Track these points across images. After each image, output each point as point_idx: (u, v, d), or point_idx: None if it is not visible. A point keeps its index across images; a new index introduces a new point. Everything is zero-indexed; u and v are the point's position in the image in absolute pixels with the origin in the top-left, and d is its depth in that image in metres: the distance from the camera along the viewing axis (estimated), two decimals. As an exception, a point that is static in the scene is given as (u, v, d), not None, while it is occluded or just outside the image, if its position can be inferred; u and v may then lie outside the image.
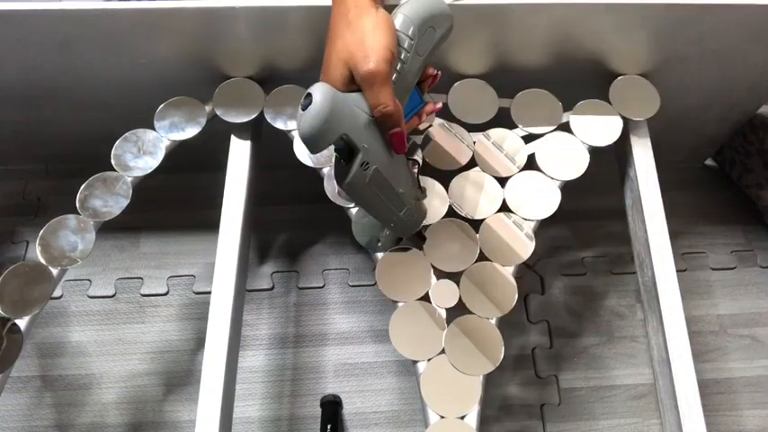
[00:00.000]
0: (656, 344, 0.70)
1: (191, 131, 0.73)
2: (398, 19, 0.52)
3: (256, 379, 0.89)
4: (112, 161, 0.70)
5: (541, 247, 0.96)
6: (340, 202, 0.70)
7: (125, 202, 0.68)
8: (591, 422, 0.86)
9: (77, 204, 0.68)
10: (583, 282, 0.96)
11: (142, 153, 0.71)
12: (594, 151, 0.73)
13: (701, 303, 0.95)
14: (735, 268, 0.98)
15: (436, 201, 0.70)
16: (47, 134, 0.92)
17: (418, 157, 0.71)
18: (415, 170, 0.63)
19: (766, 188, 0.96)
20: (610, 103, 0.75)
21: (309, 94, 0.48)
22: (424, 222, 0.68)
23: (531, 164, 0.72)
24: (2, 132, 0.91)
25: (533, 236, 0.69)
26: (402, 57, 0.52)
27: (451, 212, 0.70)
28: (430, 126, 0.73)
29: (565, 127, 0.74)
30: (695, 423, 0.62)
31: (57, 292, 0.94)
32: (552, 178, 0.72)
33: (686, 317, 0.66)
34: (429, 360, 0.63)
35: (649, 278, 0.70)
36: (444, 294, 0.66)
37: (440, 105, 0.61)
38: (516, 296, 0.65)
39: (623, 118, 0.74)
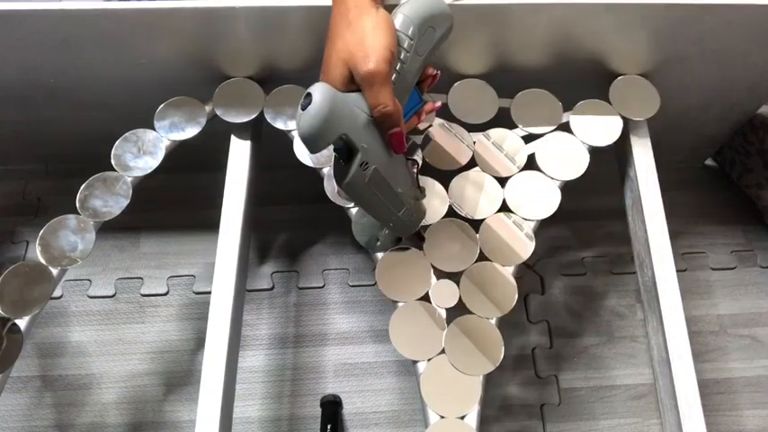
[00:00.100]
0: (656, 344, 0.70)
1: (191, 131, 0.73)
2: (398, 19, 0.52)
3: (256, 379, 0.89)
4: (112, 161, 0.70)
5: (541, 247, 0.96)
6: (340, 202, 0.70)
7: (125, 202, 0.68)
8: (591, 422, 0.86)
9: (77, 204, 0.68)
10: (583, 282, 0.96)
11: (142, 153, 0.71)
12: (594, 151, 0.73)
13: (700, 303, 0.95)
14: (735, 268, 0.98)
15: (436, 201, 0.70)
16: (47, 134, 0.92)
17: (418, 156, 0.72)
18: (415, 170, 0.63)
19: (766, 188, 0.96)
20: (610, 103, 0.75)
21: (309, 94, 0.48)
22: (424, 222, 0.68)
23: (531, 164, 0.72)
24: (2, 132, 0.91)
25: (533, 236, 0.69)
26: (402, 57, 0.52)
27: (451, 212, 0.70)
28: (430, 126, 0.73)
29: (565, 127, 0.74)
30: (695, 423, 0.62)
31: (57, 292, 0.94)
32: (552, 178, 0.72)
33: (686, 317, 0.66)
34: (429, 360, 0.63)
35: (649, 278, 0.70)
36: (444, 294, 0.66)
37: (439, 105, 0.61)
38: (516, 296, 0.65)
39: (623, 118, 0.74)
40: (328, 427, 0.82)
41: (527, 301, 0.95)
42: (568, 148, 0.73)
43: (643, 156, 0.74)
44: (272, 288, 0.95)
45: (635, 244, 0.76)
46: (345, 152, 0.52)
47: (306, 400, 0.87)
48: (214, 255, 0.69)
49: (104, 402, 0.87)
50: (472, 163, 0.72)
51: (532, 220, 0.69)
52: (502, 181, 0.71)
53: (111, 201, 0.68)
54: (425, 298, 0.66)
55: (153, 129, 0.72)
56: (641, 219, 0.71)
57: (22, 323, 0.63)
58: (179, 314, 0.93)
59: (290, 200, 1.01)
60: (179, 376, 0.89)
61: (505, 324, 0.65)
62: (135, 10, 0.66)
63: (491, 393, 0.87)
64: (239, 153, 0.74)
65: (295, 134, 0.73)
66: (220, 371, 0.64)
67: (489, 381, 0.63)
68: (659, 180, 0.72)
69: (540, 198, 0.70)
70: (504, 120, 0.74)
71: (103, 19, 0.67)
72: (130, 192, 0.69)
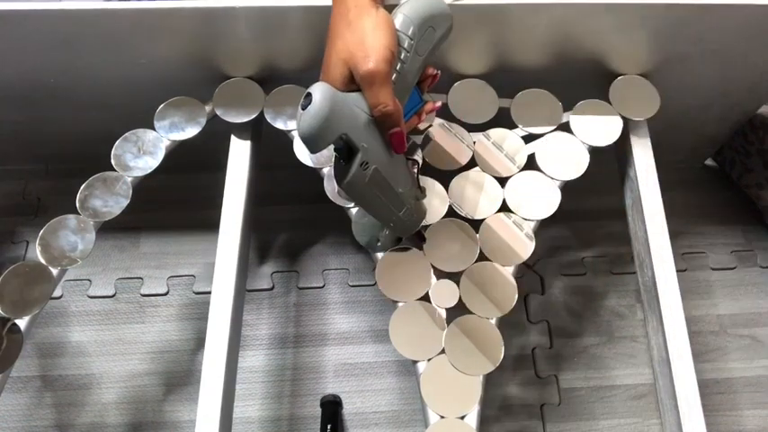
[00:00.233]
0: (656, 344, 0.70)
1: (191, 131, 0.73)
2: (398, 19, 0.52)
3: (256, 379, 0.89)
4: (112, 161, 0.70)
5: (541, 247, 0.96)
6: (340, 202, 0.70)
7: (125, 202, 0.68)
8: (591, 422, 0.86)
9: (77, 204, 0.68)
10: (583, 282, 0.96)
11: (142, 153, 0.71)
12: (594, 151, 0.73)
13: (701, 303, 0.95)
14: (735, 268, 0.98)
15: (436, 201, 0.70)
16: (47, 134, 0.92)
17: (418, 156, 0.72)
18: (415, 170, 0.63)
19: (766, 188, 0.96)
20: (610, 103, 0.75)
21: (309, 94, 0.48)
22: (424, 222, 0.68)
23: (531, 164, 0.72)
24: (2, 132, 0.91)
25: (533, 236, 0.69)
26: (402, 57, 0.52)
27: (451, 212, 0.70)
28: (430, 126, 0.74)
29: (565, 127, 0.74)
30: (695, 423, 0.62)
31: (57, 292, 0.94)
32: (552, 178, 0.72)
33: (686, 317, 0.66)
34: (429, 360, 0.63)
35: (649, 278, 0.70)
36: (444, 294, 0.66)
37: (439, 104, 0.61)
38: (516, 296, 0.65)
39: (623, 118, 0.74)
40: (328, 427, 0.82)
41: (527, 301, 0.95)
42: (568, 148, 0.73)
43: (643, 156, 0.74)
44: (272, 288, 0.95)
45: (635, 244, 0.76)
46: (346, 152, 0.52)
47: (306, 400, 0.87)
48: (214, 255, 0.69)
49: (104, 402, 0.87)
50: (472, 163, 0.72)
51: (532, 220, 0.69)
52: (502, 181, 0.71)
53: (111, 201, 0.68)
54: (425, 298, 0.66)
55: (153, 129, 0.72)
56: (641, 219, 0.71)
57: (22, 323, 0.63)
58: (179, 314, 0.93)
59: (290, 200, 1.01)
60: (179, 376, 0.89)
61: (505, 324, 0.65)
62: (135, 10, 0.66)
63: (491, 393, 0.87)
64: (239, 153, 0.74)
65: (295, 134, 0.73)
66: (220, 371, 0.64)
67: (489, 381, 0.63)
68: (659, 180, 0.72)
69: (540, 198, 0.70)
70: (504, 120, 0.74)
71: (103, 19, 0.67)
72: (130, 192, 0.69)
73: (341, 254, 0.98)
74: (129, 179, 0.70)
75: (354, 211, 0.70)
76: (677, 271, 0.68)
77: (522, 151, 0.73)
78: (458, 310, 0.65)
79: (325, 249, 0.98)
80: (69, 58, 0.73)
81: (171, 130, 0.73)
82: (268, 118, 0.73)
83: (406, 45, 0.52)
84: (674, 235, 0.70)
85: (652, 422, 0.86)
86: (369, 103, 0.50)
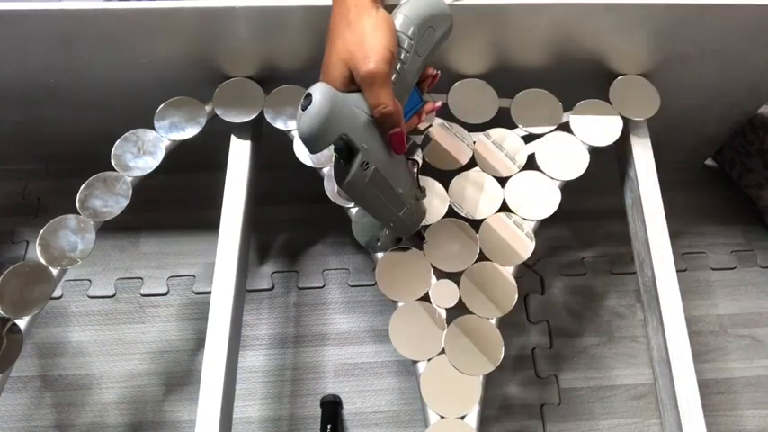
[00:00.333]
0: (656, 344, 0.70)
1: (191, 131, 0.73)
2: (398, 19, 0.52)
3: (256, 379, 0.89)
4: (112, 161, 0.70)
5: (541, 247, 0.96)
6: (340, 202, 0.70)
7: (125, 202, 0.68)
8: (591, 422, 0.86)
9: (77, 204, 0.68)
10: (583, 282, 0.96)
11: (142, 153, 0.71)
12: (594, 151, 0.73)
13: (700, 303, 0.95)
14: (735, 268, 0.98)
15: (436, 201, 0.70)
16: (47, 134, 0.92)
17: (418, 156, 0.72)
18: (415, 170, 0.63)
19: (766, 188, 0.96)
20: (610, 103, 0.75)
21: (309, 95, 0.48)
22: (424, 222, 0.68)
23: (531, 164, 0.72)
24: (2, 132, 0.91)
25: (533, 236, 0.69)
26: (402, 57, 0.52)
27: (451, 212, 0.70)
28: (430, 126, 0.74)
29: (565, 127, 0.74)
30: (695, 423, 0.62)
31: (57, 292, 0.94)
32: (552, 178, 0.72)
33: (686, 317, 0.66)
34: (429, 360, 0.63)
35: (649, 278, 0.70)
36: (444, 294, 0.66)
37: (439, 105, 0.61)
38: (516, 296, 0.65)
39: (623, 118, 0.74)
40: (328, 427, 0.82)
41: (527, 301, 0.95)
42: (568, 148, 0.73)
43: (643, 156, 0.74)
44: (272, 288, 0.95)
45: (635, 244, 0.76)
46: (346, 152, 0.52)
47: (306, 400, 0.87)
48: (214, 255, 0.69)
49: (104, 402, 0.87)
50: (472, 163, 0.72)
51: (532, 220, 0.69)
52: (502, 181, 0.71)
53: (111, 201, 0.68)
54: (425, 298, 0.66)
55: (153, 129, 0.72)
56: (641, 219, 0.71)
57: (22, 323, 0.63)
58: (179, 314, 0.93)
59: (290, 200, 1.01)
60: (179, 376, 0.89)
61: (505, 324, 0.65)
62: (135, 10, 0.66)
63: (491, 393, 0.87)
64: (239, 153, 0.74)
65: (295, 134, 0.73)
66: (220, 371, 0.64)
67: (489, 381, 0.63)
68: (659, 180, 0.72)
69: (540, 198, 0.70)
70: (504, 120, 0.74)
71: (103, 19, 0.67)
72: (130, 192, 0.69)
73: (341, 254, 0.98)
74: (129, 179, 0.70)
75: (354, 211, 0.70)
76: (677, 271, 0.68)
77: (522, 151, 0.73)
78: (458, 310, 0.65)
79: (325, 249, 0.98)
80: (69, 58, 0.73)
81: (171, 130, 0.73)
82: (268, 118, 0.73)
83: (405, 45, 0.52)
84: (674, 235, 0.70)
85: (652, 422, 0.86)
86: (369, 104, 0.50)
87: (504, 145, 0.73)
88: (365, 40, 0.49)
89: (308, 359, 0.90)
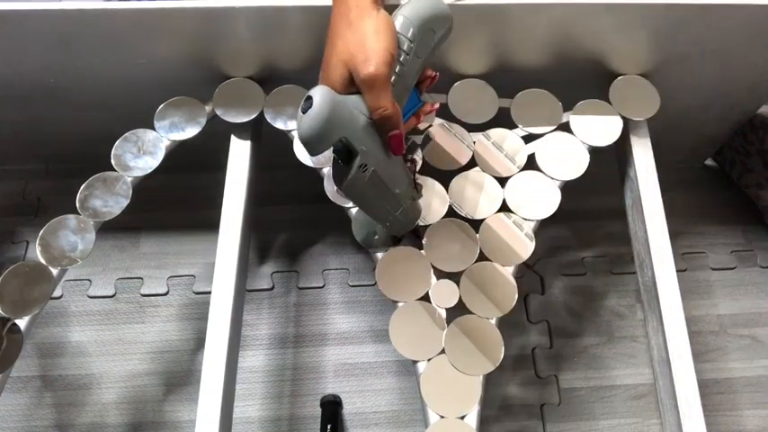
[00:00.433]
0: (656, 344, 0.70)
1: (191, 131, 0.73)
2: (398, 21, 0.52)
3: (256, 379, 0.89)
4: (112, 161, 0.70)
5: (541, 247, 0.96)
6: (340, 202, 0.70)
7: (125, 202, 0.68)
8: (591, 422, 0.86)
9: (77, 204, 0.68)
10: (583, 282, 0.96)
11: (142, 153, 0.71)
12: (594, 151, 0.73)
13: (700, 303, 0.95)
14: (735, 268, 0.98)
15: (436, 201, 0.70)
16: (47, 134, 0.92)
17: (418, 156, 0.72)
18: (413, 170, 0.63)
19: (766, 188, 0.96)
20: (610, 103, 0.75)
21: (309, 97, 0.48)
22: (423, 222, 0.68)
23: (531, 164, 0.72)
24: (2, 132, 0.91)
25: (533, 236, 0.69)
26: (401, 59, 0.52)
27: (451, 212, 0.70)
28: (430, 126, 0.74)
29: (565, 127, 0.74)
30: (695, 423, 0.62)
31: (57, 292, 0.94)
32: (552, 178, 0.72)
33: (686, 317, 0.66)
34: (429, 360, 0.63)
35: (649, 278, 0.70)
36: (444, 294, 0.66)
37: (437, 106, 0.61)
38: (516, 296, 0.65)
39: (623, 118, 0.74)
40: (328, 427, 0.82)
41: (527, 301, 0.95)
42: (568, 148, 0.73)
43: (643, 156, 0.74)
44: (272, 288, 0.95)
45: (635, 244, 0.76)
46: (344, 154, 0.52)
47: (306, 400, 0.87)
48: (214, 255, 0.69)
49: (104, 402, 0.87)
50: (472, 163, 0.72)
51: (532, 220, 0.69)
52: (502, 181, 0.71)
53: (111, 201, 0.68)
54: (425, 298, 0.66)
55: (153, 129, 0.72)
56: (641, 219, 0.71)
57: (22, 323, 0.63)
58: (179, 314, 0.93)
59: (290, 200, 1.01)
60: (179, 376, 0.89)
61: (505, 324, 0.65)
62: (135, 10, 0.66)
63: (491, 393, 0.87)
64: (239, 153, 0.74)
65: (295, 134, 0.73)
66: (220, 371, 0.64)
67: (489, 381, 0.63)
68: (659, 180, 0.72)
69: (540, 198, 0.70)
70: (504, 120, 0.74)
71: (103, 19, 0.66)
72: (130, 192, 0.69)
73: (341, 254, 0.98)
74: (129, 179, 0.70)
75: (354, 210, 0.70)
76: (677, 271, 0.68)
77: (522, 151, 0.73)
78: (458, 310, 0.65)
79: (325, 249, 0.98)
80: (69, 58, 0.73)
81: (171, 130, 0.73)
82: (268, 118, 0.73)
83: (405, 47, 0.52)
84: (674, 235, 0.70)
85: (652, 422, 0.86)
86: (368, 107, 0.50)
87: (504, 145, 0.73)
88: (366, 42, 0.49)
89: (308, 359, 0.90)
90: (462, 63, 0.74)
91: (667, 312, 0.67)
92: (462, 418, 0.61)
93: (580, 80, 0.76)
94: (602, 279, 0.96)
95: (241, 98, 0.74)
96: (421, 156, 0.72)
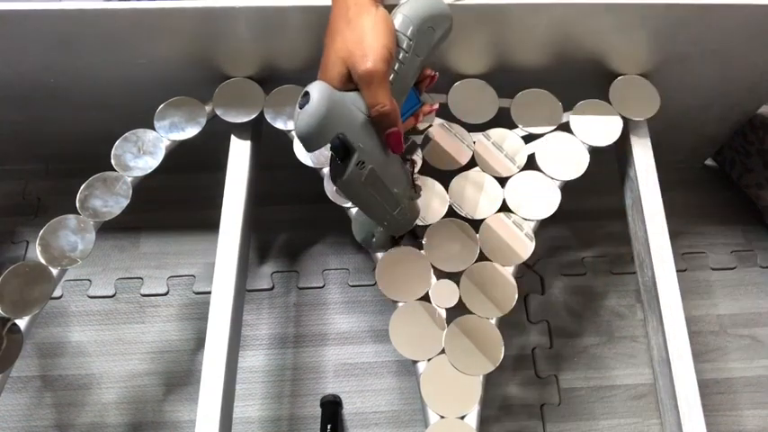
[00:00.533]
0: (656, 344, 0.70)
1: (191, 131, 0.73)
2: (398, 19, 0.52)
3: (256, 379, 0.89)
4: (112, 161, 0.70)
5: (541, 247, 0.96)
6: (340, 201, 0.70)
7: (125, 202, 0.68)
8: (591, 422, 0.86)
9: (77, 204, 0.68)
10: (583, 282, 0.96)
11: (142, 153, 0.71)
12: (594, 151, 0.73)
13: (701, 303, 0.95)
14: (735, 268, 0.98)
15: (436, 201, 0.70)
16: (47, 134, 0.92)
17: (417, 156, 0.72)
18: (412, 170, 0.63)
19: (766, 188, 0.96)
20: (610, 103, 0.75)
21: (307, 93, 0.48)
22: (423, 222, 0.68)
23: (531, 164, 0.72)
24: (2, 132, 0.91)
25: (533, 236, 0.69)
26: (400, 57, 0.52)
27: (451, 212, 0.70)
28: (430, 126, 0.74)
29: (565, 127, 0.74)
30: (695, 423, 0.62)
31: (57, 292, 0.94)
32: (552, 178, 0.72)
33: (686, 317, 0.66)
34: (429, 360, 0.63)
35: (649, 278, 0.70)
36: (444, 294, 0.66)
37: (437, 106, 0.61)
38: (516, 296, 0.65)
39: (623, 118, 0.74)
40: (328, 427, 0.82)
41: (527, 301, 0.95)
42: (568, 148, 0.73)
43: (643, 156, 0.74)
44: (272, 288, 0.95)
45: (635, 244, 0.76)
46: (342, 151, 0.52)
47: (306, 400, 0.87)
48: (214, 255, 0.69)
49: (104, 402, 0.87)
50: (472, 163, 0.72)
51: (532, 220, 0.69)
52: (502, 181, 0.71)
53: (111, 201, 0.68)
54: (425, 298, 0.66)
55: (153, 129, 0.72)
56: (641, 219, 0.71)
57: (22, 323, 0.63)
58: (179, 314, 0.93)
59: (290, 200, 1.01)
60: (179, 376, 0.89)
61: (505, 324, 0.65)
62: (135, 10, 0.66)
63: (491, 393, 0.87)
64: (239, 153, 0.74)
65: (295, 134, 0.72)
66: (220, 371, 0.64)
67: (489, 381, 0.63)
68: (659, 180, 0.72)
69: (540, 198, 0.70)
70: (504, 120, 0.74)
71: (103, 19, 0.67)
72: (130, 192, 0.69)
73: (341, 254, 0.98)
74: (129, 179, 0.70)
75: (354, 210, 0.70)
76: (677, 271, 0.68)
77: (522, 151, 0.73)
78: (458, 310, 0.65)
79: (325, 249, 0.98)
80: (69, 58, 0.73)
81: (171, 130, 0.73)
82: (268, 118, 0.73)
83: (404, 46, 0.52)
84: (674, 235, 0.70)
85: (652, 422, 0.86)
86: (366, 103, 0.50)
87: (504, 145, 0.73)
88: (364, 39, 0.49)
89: (308, 359, 0.90)
90: (462, 63, 0.74)
91: (667, 312, 0.67)
92: (462, 418, 0.61)
93: (580, 80, 0.76)
94: (602, 279, 0.96)
95: (241, 98, 0.74)
96: (421, 156, 0.72)
